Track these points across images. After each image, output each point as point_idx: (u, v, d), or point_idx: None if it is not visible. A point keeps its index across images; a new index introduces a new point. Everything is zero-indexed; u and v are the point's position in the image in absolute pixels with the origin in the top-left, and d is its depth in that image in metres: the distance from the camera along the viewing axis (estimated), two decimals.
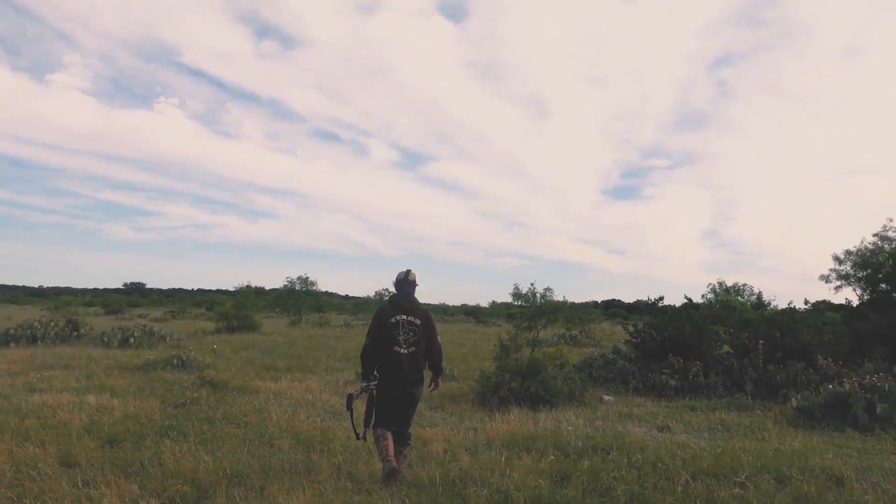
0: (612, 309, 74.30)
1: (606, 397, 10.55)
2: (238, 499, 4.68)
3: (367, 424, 5.44)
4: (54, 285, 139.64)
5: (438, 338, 5.53)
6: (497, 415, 8.81)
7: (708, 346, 11.62)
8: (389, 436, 5.22)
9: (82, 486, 4.85)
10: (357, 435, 5.50)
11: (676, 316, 12.10)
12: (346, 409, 5.61)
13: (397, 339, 5.22)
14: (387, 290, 68.11)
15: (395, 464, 5.04)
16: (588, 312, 28.90)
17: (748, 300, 21.31)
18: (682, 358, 11.47)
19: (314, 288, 38.91)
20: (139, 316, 43.40)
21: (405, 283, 5.52)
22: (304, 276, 38.86)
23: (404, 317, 5.30)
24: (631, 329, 12.58)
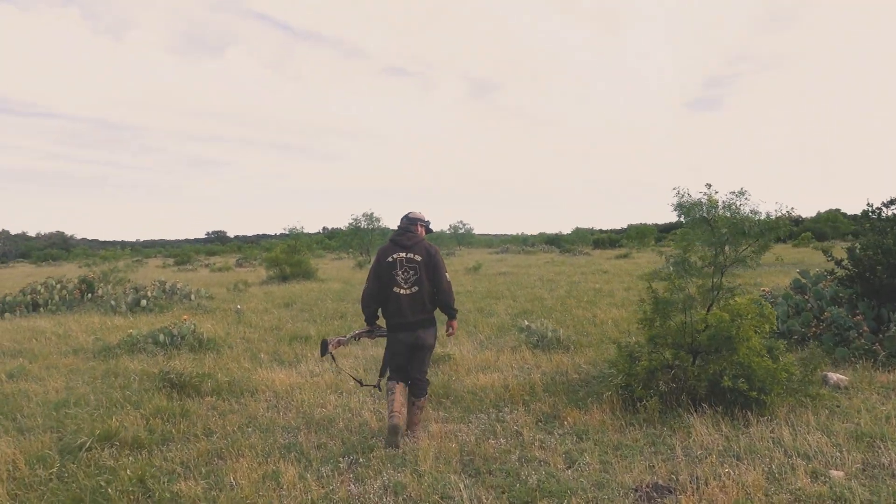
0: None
1: (834, 376, 6.14)
2: None
3: (382, 374, 5.01)
4: (148, 238, 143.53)
5: (447, 275, 4.89)
6: (666, 432, 4.67)
7: None
8: (399, 389, 4.77)
9: None
10: (359, 382, 5.30)
11: None
12: (321, 356, 5.03)
13: (396, 279, 4.77)
14: (461, 221, 64.63)
15: (396, 420, 4.58)
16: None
17: None
18: None
19: (380, 224, 35.23)
20: (205, 265, 41.41)
21: (405, 219, 5.05)
22: (370, 213, 35.20)
23: (403, 254, 4.82)
24: (839, 256, 7.94)
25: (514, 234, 72.26)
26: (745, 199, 5.31)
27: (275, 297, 15.31)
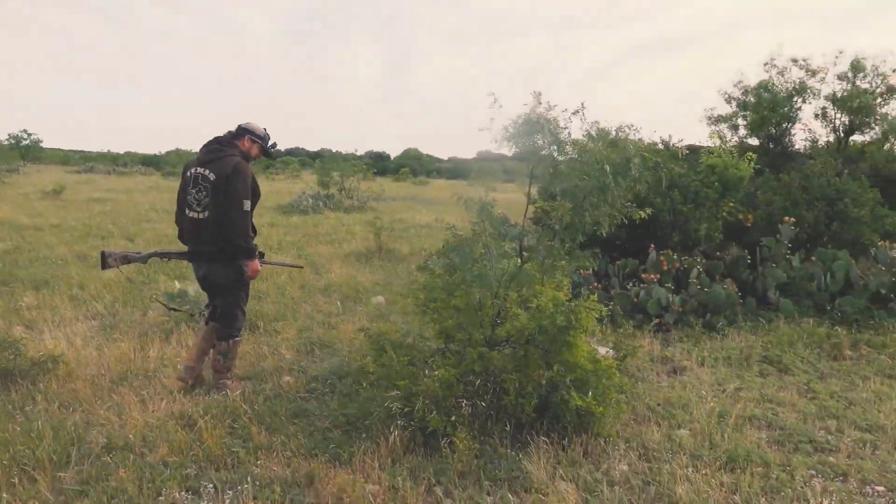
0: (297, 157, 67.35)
1: (602, 349, 5.09)
2: None
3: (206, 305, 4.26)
4: None
5: (245, 203, 3.83)
6: (503, 492, 2.78)
7: (712, 228, 6.77)
8: (201, 331, 4.11)
9: None
10: (165, 305, 4.85)
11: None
12: (101, 269, 4.04)
13: (188, 198, 3.93)
14: (25, 131, 53.63)
15: (182, 368, 4.01)
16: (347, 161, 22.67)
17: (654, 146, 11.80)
18: (670, 250, 6.54)
19: None
20: None
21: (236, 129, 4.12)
22: None
23: (200, 169, 3.88)
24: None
25: (100, 150, 62.04)
26: (582, 118, 3.25)
27: None
